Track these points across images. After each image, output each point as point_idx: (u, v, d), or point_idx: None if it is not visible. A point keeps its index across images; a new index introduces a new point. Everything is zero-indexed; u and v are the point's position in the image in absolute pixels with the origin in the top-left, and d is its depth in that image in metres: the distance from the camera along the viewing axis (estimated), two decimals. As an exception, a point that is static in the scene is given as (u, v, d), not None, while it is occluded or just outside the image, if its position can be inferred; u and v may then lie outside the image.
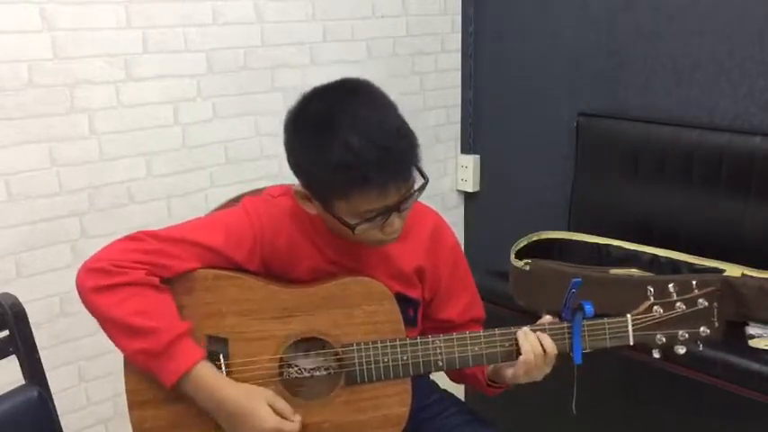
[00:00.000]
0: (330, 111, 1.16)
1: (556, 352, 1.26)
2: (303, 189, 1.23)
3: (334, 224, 1.23)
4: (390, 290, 1.30)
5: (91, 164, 1.93)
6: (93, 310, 1.22)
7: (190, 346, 1.21)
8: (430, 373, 1.31)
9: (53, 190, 1.88)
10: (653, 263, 2.10)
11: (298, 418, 1.24)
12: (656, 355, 1.29)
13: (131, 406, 1.28)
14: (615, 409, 2.02)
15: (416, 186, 1.21)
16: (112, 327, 1.21)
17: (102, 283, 1.20)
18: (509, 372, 1.30)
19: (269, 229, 1.30)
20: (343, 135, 1.13)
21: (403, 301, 1.33)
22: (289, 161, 1.24)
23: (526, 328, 1.27)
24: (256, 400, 1.22)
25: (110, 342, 1.58)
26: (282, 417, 1.23)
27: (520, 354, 1.26)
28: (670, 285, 1.28)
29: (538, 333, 1.26)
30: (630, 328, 1.27)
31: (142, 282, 1.20)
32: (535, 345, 1.25)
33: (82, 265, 1.23)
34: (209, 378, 1.21)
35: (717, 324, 1.27)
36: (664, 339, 1.28)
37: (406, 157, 1.17)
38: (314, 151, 1.16)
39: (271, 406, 1.23)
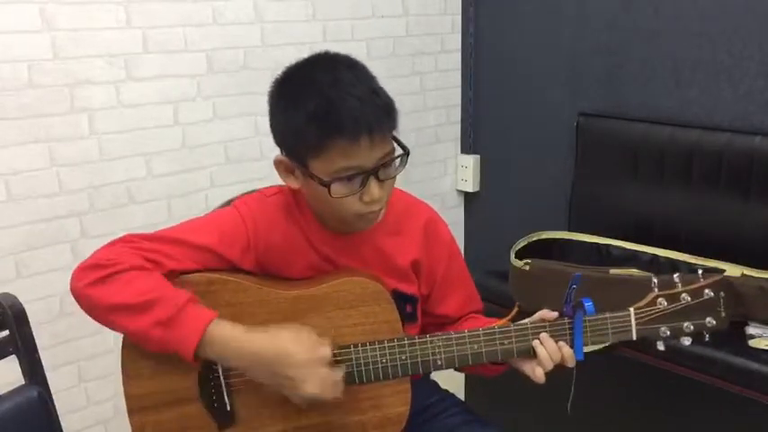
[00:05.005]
0: (312, 71, 1.21)
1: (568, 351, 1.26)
2: (284, 157, 1.24)
3: (316, 196, 1.22)
4: (387, 287, 1.29)
5: (91, 164, 1.93)
6: (93, 305, 1.20)
7: (199, 308, 1.19)
8: (429, 372, 1.31)
9: (53, 190, 1.88)
10: (653, 263, 2.10)
11: (325, 340, 1.21)
12: (660, 347, 1.26)
13: (131, 411, 1.27)
14: (615, 408, 2.02)
15: (397, 157, 1.21)
16: (117, 313, 1.19)
17: (96, 277, 1.18)
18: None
19: (262, 227, 1.30)
20: (321, 89, 1.17)
21: (400, 298, 1.33)
22: (271, 128, 1.25)
23: (544, 335, 1.25)
24: (284, 337, 1.19)
25: (110, 342, 1.58)
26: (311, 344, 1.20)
27: (520, 351, 1.26)
28: (675, 276, 1.25)
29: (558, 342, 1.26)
30: (633, 322, 1.25)
31: (137, 266, 1.19)
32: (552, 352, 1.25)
33: (73, 271, 1.22)
34: (230, 333, 1.18)
35: (723, 314, 1.24)
36: (668, 332, 1.25)
37: (380, 112, 1.18)
38: (292, 105, 1.19)
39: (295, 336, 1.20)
